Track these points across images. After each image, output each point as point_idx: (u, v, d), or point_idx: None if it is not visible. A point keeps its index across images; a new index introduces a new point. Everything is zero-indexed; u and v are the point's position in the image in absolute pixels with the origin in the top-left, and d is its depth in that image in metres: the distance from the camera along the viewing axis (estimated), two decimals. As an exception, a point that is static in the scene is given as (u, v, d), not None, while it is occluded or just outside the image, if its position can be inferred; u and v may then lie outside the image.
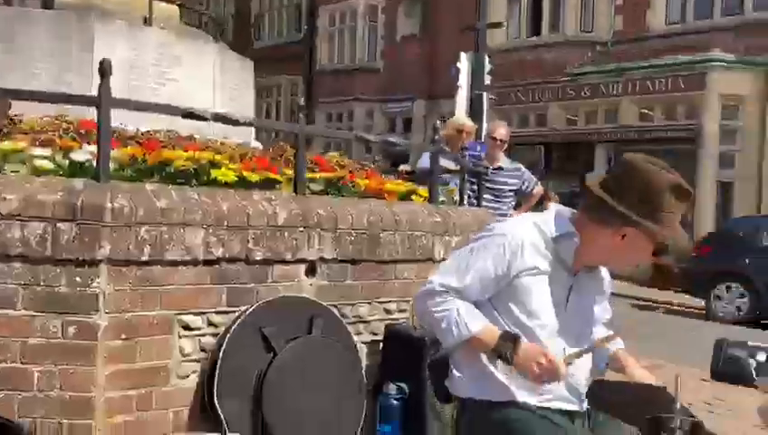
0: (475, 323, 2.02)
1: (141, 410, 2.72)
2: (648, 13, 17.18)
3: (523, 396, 2.04)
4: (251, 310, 2.90)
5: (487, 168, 6.12)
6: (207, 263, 2.88)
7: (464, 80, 9.01)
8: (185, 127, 4.09)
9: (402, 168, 6.73)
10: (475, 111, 8.62)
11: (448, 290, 2.06)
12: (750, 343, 2.68)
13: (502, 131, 6.36)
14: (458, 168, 5.29)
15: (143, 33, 4.77)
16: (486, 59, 9.16)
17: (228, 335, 2.81)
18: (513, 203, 6.46)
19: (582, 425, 2.06)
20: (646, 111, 17.10)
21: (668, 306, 12.32)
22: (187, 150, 3.37)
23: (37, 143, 3.12)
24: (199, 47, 5.09)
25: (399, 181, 4.87)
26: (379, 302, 3.47)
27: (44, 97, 3.35)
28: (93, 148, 2.90)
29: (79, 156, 3.05)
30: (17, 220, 2.54)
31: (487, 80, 9.05)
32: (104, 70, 2.69)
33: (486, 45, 9.99)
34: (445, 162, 5.74)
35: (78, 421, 2.60)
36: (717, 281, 10.91)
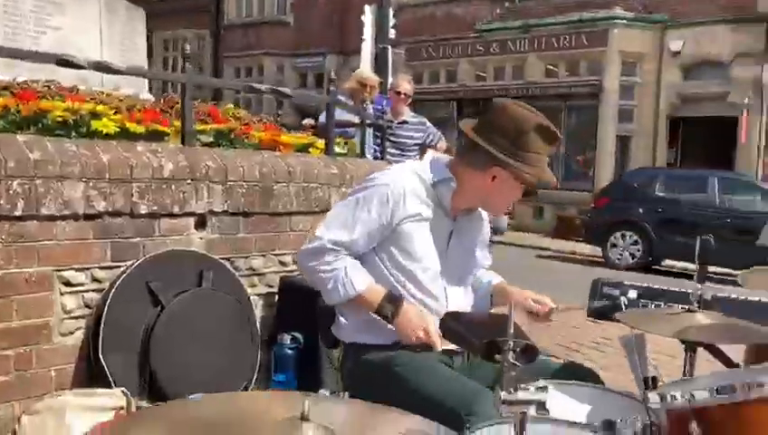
0: (361, 282, 2.03)
1: (20, 369, 2.63)
2: (554, -31, 17.49)
3: (402, 338, 2.07)
4: (136, 264, 2.83)
5: (391, 121, 6.15)
6: (89, 217, 2.79)
7: (368, 33, 8.94)
8: (69, 78, 3.88)
9: (306, 121, 6.67)
10: (380, 65, 8.61)
11: (337, 246, 2.05)
12: (625, 282, 2.82)
13: (405, 86, 6.37)
14: (359, 121, 5.28)
15: (19, -23, 4.45)
16: (391, 13, 9.11)
17: (113, 291, 2.75)
18: (418, 157, 6.53)
19: (462, 362, 2.14)
20: (551, 68, 17.55)
21: (569, 255, 12.87)
22: (68, 102, 3.21)
23: None
24: (84, -7, 4.80)
25: (301, 135, 4.83)
26: (273, 254, 3.46)
27: None
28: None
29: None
30: None
31: (392, 34, 9.02)
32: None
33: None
34: (348, 116, 5.73)
35: (-50, 384, 2.50)
36: (614, 230, 11.48)
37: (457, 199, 2.12)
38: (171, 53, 24.35)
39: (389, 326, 2.05)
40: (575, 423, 1.60)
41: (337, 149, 4.79)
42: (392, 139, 6.06)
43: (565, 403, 1.86)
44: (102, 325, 2.67)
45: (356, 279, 2.03)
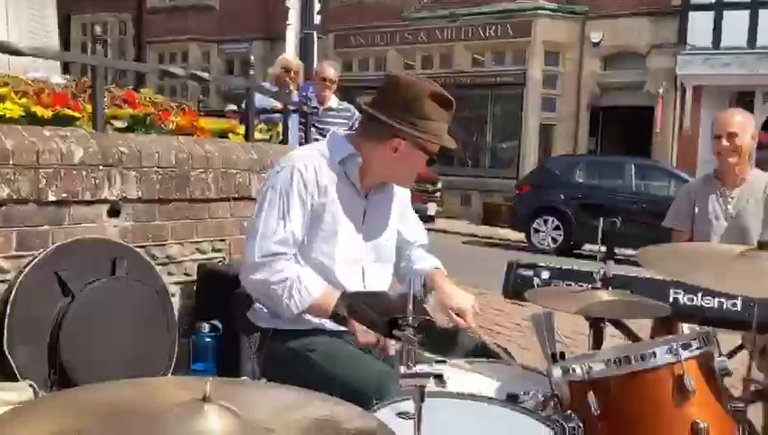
0: (316, 287, 1.97)
1: None
2: (480, -41, 17.71)
3: (320, 321, 2.04)
4: (44, 253, 2.73)
5: (317, 108, 6.12)
6: (-9, 204, 2.67)
7: (293, 18, 8.85)
8: (-30, 60, 3.70)
9: (228, 108, 6.56)
10: (305, 51, 8.54)
11: (283, 246, 2.00)
12: (539, 264, 2.91)
13: (330, 71, 6.34)
14: (282, 107, 5.23)
15: None
16: (316, -2, 9.05)
17: (19, 281, 2.64)
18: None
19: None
20: (478, 57, 17.82)
21: (495, 241, 13.14)
22: (-32, 84, 3.06)
23: None
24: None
25: (222, 120, 4.76)
26: (191, 242, 3.40)
27: None
28: None
29: None
30: None
31: (317, 20, 8.96)
32: None
33: (318, -16, 9.85)
34: (274, 102, 5.67)
35: None
36: (537, 216, 11.79)
37: (365, 175, 2.11)
38: (91, 38, 23.44)
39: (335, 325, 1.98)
40: (478, 396, 1.65)
41: (260, 136, 4.74)
42: (318, 125, 6.03)
43: (477, 380, 1.92)
44: (7, 317, 2.57)
45: (310, 284, 1.97)
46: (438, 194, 13.93)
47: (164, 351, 2.98)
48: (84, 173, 2.93)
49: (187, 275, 3.39)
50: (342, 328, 1.97)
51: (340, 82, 6.44)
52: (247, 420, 1.13)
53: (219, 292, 3.27)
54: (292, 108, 5.36)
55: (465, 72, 17.77)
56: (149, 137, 3.37)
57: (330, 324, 2.01)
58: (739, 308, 2.53)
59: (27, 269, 2.68)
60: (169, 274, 3.29)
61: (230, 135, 4.09)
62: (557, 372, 1.68)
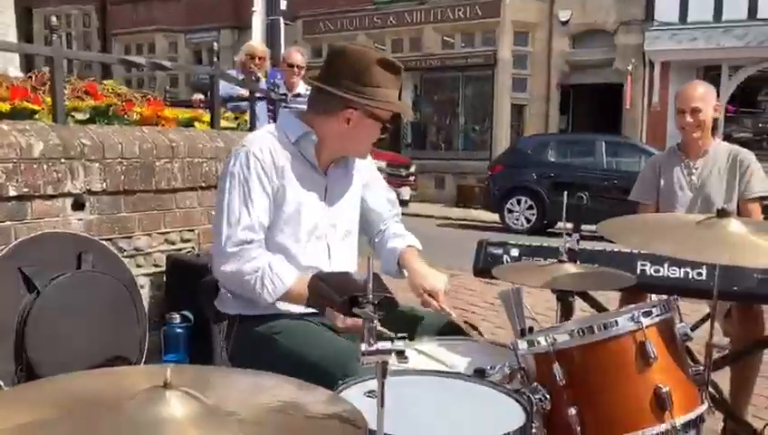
0: (288, 275, 1.95)
1: None
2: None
3: (285, 306, 2.04)
4: (6, 250, 2.68)
5: (285, 94, 6.07)
6: (-52, 201, 2.62)
7: (259, 5, 8.75)
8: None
9: (195, 97, 6.49)
10: (272, 37, 8.45)
11: (252, 232, 1.97)
12: (509, 242, 2.93)
13: (296, 57, 6.29)
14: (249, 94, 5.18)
15: None
16: (281, -17, 8.95)
17: (-19, 278, 2.59)
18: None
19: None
20: (447, 39, 17.80)
21: (469, 222, 13.21)
22: None
23: None
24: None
25: (188, 109, 4.70)
26: (159, 233, 3.37)
27: None
28: None
29: None
30: None
31: (283, 5, 8.86)
32: None
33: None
34: (239, 89, 5.62)
35: None
36: (510, 196, 11.86)
37: (321, 151, 2.08)
38: (54, 32, 22.96)
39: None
40: (444, 372, 1.66)
41: (227, 124, 4.69)
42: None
43: (445, 357, 1.93)
44: (-29, 316, 2.53)
45: (282, 272, 1.95)
46: (412, 178, 13.95)
47: (134, 343, 2.95)
48: (45, 167, 2.88)
49: (156, 266, 3.35)
50: (353, 328, 1.89)
51: (309, 68, 6.38)
52: (210, 404, 1.12)
53: (189, 282, 3.24)
54: (259, 95, 5.31)
55: (435, 55, 17.77)
56: (112, 128, 3.32)
57: (296, 307, 2.00)
58: (704, 277, 2.57)
59: (-11, 266, 2.63)
60: (138, 266, 3.26)
61: (196, 124, 4.04)
62: (522, 344, 1.69)
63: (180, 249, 3.43)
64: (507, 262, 2.87)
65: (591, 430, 1.57)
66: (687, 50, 14.83)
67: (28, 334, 2.61)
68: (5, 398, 1.48)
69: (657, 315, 1.63)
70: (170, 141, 3.39)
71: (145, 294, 3.26)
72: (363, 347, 1.17)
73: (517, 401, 1.52)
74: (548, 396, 1.59)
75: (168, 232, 3.40)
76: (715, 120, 3.13)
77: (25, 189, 2.81)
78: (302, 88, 6.28)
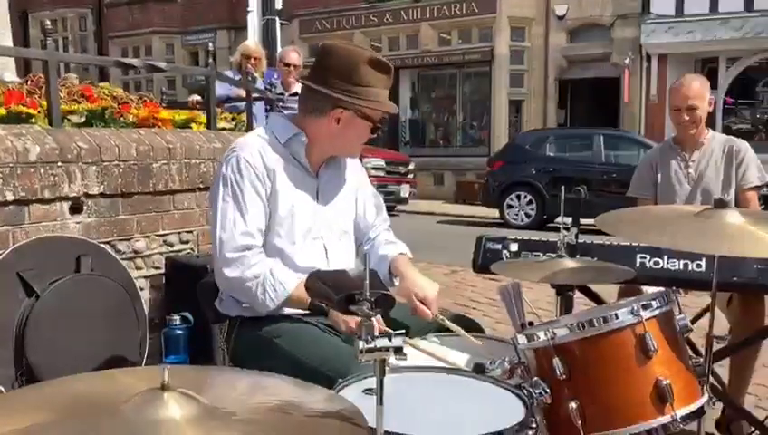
0: (290, 281, 1.95)
1: None
2: (440, -63, 17.65)
3: (286, 309, 2.03)
4: (4, 254, 2.68)
5: (282, 94, 6.07)
6: (-54, 207, 2.61)
7: (254, 4, 8.74)
8: None
9: (192, 98, 6.48)
10: (268, 37, 8.44)
11: (250, 237, 1.97)
12: (508, 237, 2.92)
13: (292, 56, 6.29)
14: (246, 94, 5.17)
15: None
16: (276, -17, 8.95)
17: (-20, 284, 2.59)
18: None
19: None
20: (444, 36, 17.79)
21: (469, 218, 13.20)
22: None
23: None
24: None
25: (185, 111, 4.68)
26: (158, 235, 3.36)
27: None
28: None
29: None
30: None
31: (278, 5, 8.85)
32: None
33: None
34: (236, 89, 5.61)
35: None
36: (509, 191, 11.85)
37: (312, 152, 2.07)
38: (53, 36, 22.93)
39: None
40: (443, 368, 1.66)
41: (225, 125, 4.69)
42: (285, 111, 5.98)
43: (446, 353, 1.93)
44: (-31, 321, 2.52)
45: (284, 278, 1.95)
46: (412, 175, 13.95)
47: (134, 346, 2.95)
48: (42, 171, 2.87)
49: (155, 268, 3.35)
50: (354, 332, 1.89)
51: (306, 67, 6.37)
52: (209, 405, 1.12)
53: (189, 283, 3.22)
54: (256, 95, 5.31)
55: (432, 52, 17.76)
56: (108, 130, 3.31)
57: (287, 309, 1.99)
58: (704, 268, 2.56)
59: (-12, 271, 2.62)
60: (137, 268, 3.25)
61: (193, 125, 4.04)
62: (522, 339, 1.69)
63: (179, 250, 3.42)
64: (506, 257, 2.85)
65: (592, 423, 1.57)
66: (684, 42, 14.82)
67: (28, 339, 2.61)
68: (4, 402, 1.47)
69: (657, 308, 1.62)
70: (167, 143, 3.39)
71: (144, 296, 3.25)
72: (361, 345, 1.17)
73: (517, 395, 1.52)
74: (548, 390, 1.59)
75: (167, 234, 3.40)
76: (709, 114, 3.13)
77: (22, 194, 2.81)
78: (299, 87, 6.27)
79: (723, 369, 2.86)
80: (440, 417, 1.45)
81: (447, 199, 16.32)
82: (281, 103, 5.88)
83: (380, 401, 1.17)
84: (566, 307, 2.31)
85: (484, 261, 2.90)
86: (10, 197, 2.76)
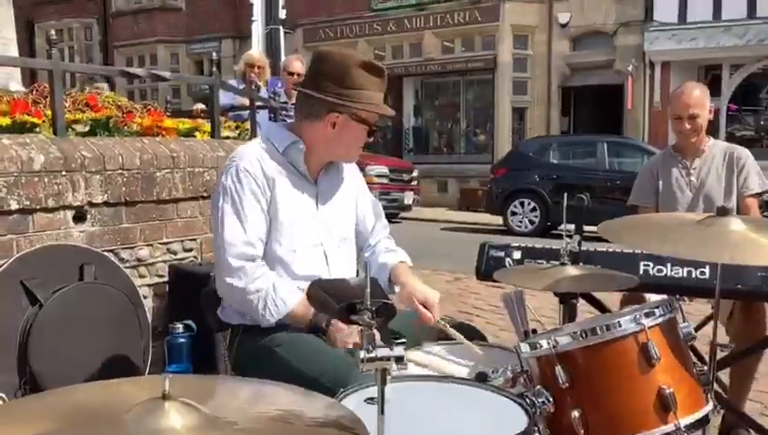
0: (291, 297, 1.97)
1: None
2: (443, -54, 17.71)
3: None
4: (8, 263, 2.68)
5: (286, 103, 6.08)
6: (-50, 215, 2.62)
7: (258, 14, 8.79)
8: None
9: (196, 106, 6.50)
10: (272, 46, 8.48)
11: (251, 247, 1.98)
12: (511, 244, 2.91)
13: (296, 65, 6.31)
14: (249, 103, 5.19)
15: None
16: (280, -8, 8.99)
17: (-17, 292, 2.59)
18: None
19: None
20: (448, 44, 17.82)
21: (472, 225, 13.18)
22: None
23: None
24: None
25: (190, 120, 4.70)
26: (161, 243, 3.36)
27: None
28: None
29: None
30: None
31: (282, 14, 8.90)
32: None
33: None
34: (240, 98, 5.63)
35: None
36: (513, 198, 11.85)
37: (310, 158, 2.09)
38: (59, 46, 23.08)
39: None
40: (445, 377, 1.66)
41: (229, 134, 4.70)
42: (288, 120, 5.99)
43: (448, 361, 1.92)
44: (-27, 330, 2.53)
45: (286, 295, 1.97)
46: (415, 182, 13.95)
47: (138, 354, 2.95)
48: (46, 180, 2.88)
49: (159, 276, 3.35)
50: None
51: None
52: (210, 414, 1.12)
53: (192, 291, 3.22)
54: (259, 104, 5.33)
55: (435, 60, 17.79)
56: (113, 139, 3.32)
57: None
58: (707, 276, 2.55)
59: (-9, 280, 2.63)
60: (140, 276, 3.26)
61: (197, 133, 4.05)
62: (525, 347, 1.69)
63: (182, 259, 3.43)
64: (510, 265, 2.85)
65: (595, 432, 1.56)
66: (687, 50, 14.81)
67: (31, 347, 2.61)
68: (7, 411, 1.47)
69: (660, 316, 1.62)
70: (171, 152, 3.40)
71: (148, 304, 3.25)
72: (362, 354, 1.17)
73: (519, 404, 1.51)
74: (551, 399, 1.58)
75: (170, 242, 3.40)
76: (711, 122, 3.13)
77: (27, 203, 2.82)
78: (303, 96, 6.28)
79: (723, 374, 2.85)
80: (442, 426, 1.44)
81: (451, 206, 16.31)
82: (284, 112, 5.89)
83: (382, 411, 1.17)
84: (569, 315, 2.30)
85: (487, 268, 2.90)
86: (14, 205, 2.77)
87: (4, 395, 2.45)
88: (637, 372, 1.57)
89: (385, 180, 12.68)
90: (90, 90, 3.64)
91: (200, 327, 3.15)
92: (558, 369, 1.60)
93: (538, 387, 1.61)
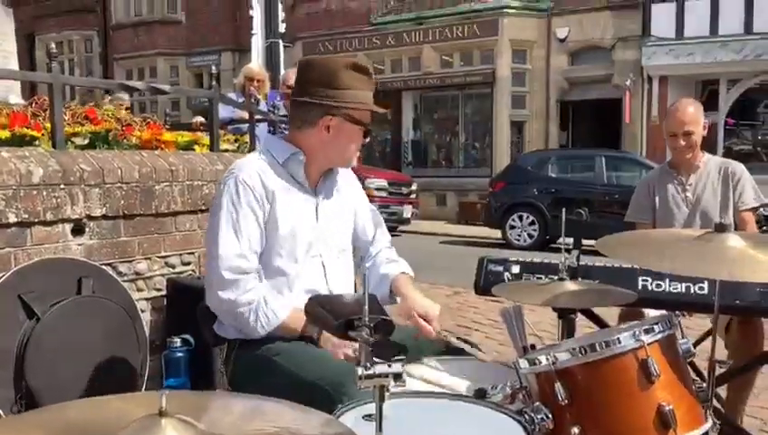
0: (282, 310, 1.98)
1: None
2: (442, -39, 17.82)
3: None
4: (6, 276, 2.68)
5: (285, 116, 6.09)
6: (-52, 229, 2.62)
7: (258, 27, 8.82)
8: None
9: (195, 119, 6.51)
10: (271, 60, 8.52)
11: (245, 259, 1.98)
12: (510, 259, 2.91)
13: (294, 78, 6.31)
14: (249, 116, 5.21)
15: None
16: (280, 6, 9.03)
17: (-20, 306, 2.58)
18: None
19: None
20: (446, 58, 17.91)
21: (471, 239, 13.19)
22: None
23: None
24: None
25: (185, 133, 4.70)
26: (159, 257, 3.36)
27: None
28: None
29: None
30: None
31: (282, 28, 8.94)
32: None
33: (282, -8, 9.84)
34: (239, 111, 5.64)
35: None
36: (511, 212, 11.87)
37: (309, 168, 2.09)
38: (59, 58, 23.16)
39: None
40: (444, 394, 1.65)
41: (228, 147, 4.71)
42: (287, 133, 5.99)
43: (447, 378, 1.91)
44: (-31, 344, 2.51)
45: (277, 307, 1.98)
46: (414, 196, 13.97)
47: (135, 368, 2.93)
48: (45, 193, 2.88)
49: (156, 290, 3.34)
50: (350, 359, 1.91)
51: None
52: (206, 431, 1.11)
53: (190, 305, 3.21)
54: (259, 117, 5.34)
55: (434, 74, 17.87)
56: (111, 153, 3.33)
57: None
58: (706, 291, 2.55)
59: (-11, 293, 2.62)
60: (138, 290, 3.25)
61: (196, 147, 4.05)
62: (524, 363, 1.68)
63: (181, 272, 3.42)
64: (508, 279, 2.85)
65: (595, 449, 1.55)
66: (685, 64, 14.89)
67: (28, 361, 2.60)
68: (2, 426, 1.46)
69: (659, 332, 1.61)
70: (170, 165, 3.40)
71: (146, 318, 3.24)
72: (360, 371, 1.16)
73: (518, 421, 1.51)
74: (550, 416, 1.57)
75: (169, 255, 3.40)
76: (706, 138, 3.15)
77: (25, 216, 2.81)
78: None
79: (721, 390, 2.85)
80: (440, 443, 1.44)
81: (450, 220, 16.32)
82: (283, 125, 5.90)
83: (380, 428, 1.17)
84: (568, 330, 2.30)
85: (485, 283, 2.90)
86: (12, 218, 2.77)
87: (0, 410, 2.44)
88: (636, 388, 1.57)
89: (384, 194, 12.69)
90: (112, 99, 3.65)
91: (198, 341, 3.14)
92: (557, 385, 1.59)
93: (537, 403, 1.60)
